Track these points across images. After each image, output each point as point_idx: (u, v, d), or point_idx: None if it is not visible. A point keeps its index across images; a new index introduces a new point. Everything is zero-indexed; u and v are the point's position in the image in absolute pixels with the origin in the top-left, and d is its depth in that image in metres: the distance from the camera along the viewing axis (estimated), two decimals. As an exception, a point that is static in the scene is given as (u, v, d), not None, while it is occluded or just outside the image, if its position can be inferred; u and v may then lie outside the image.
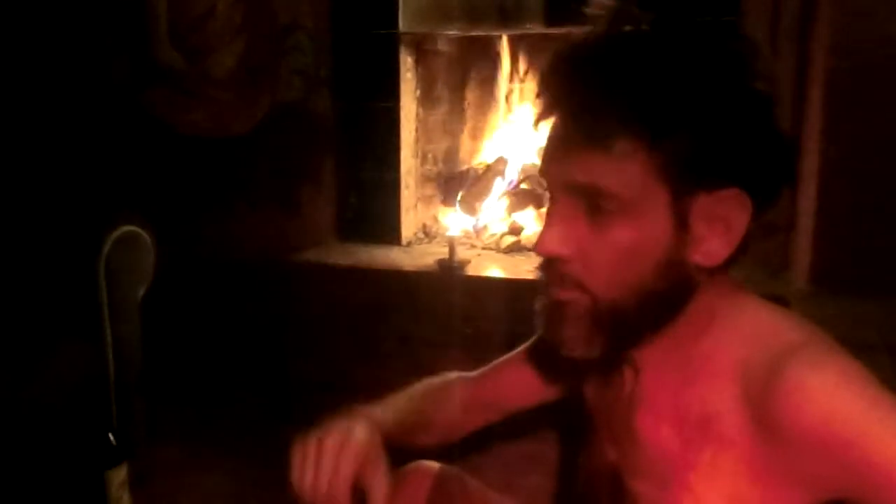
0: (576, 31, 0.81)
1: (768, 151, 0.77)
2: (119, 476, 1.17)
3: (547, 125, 0.82)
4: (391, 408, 1.03)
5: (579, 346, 0.81)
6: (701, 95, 0.73)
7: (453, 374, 1.17)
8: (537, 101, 0.81)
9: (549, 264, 0.80)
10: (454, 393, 1.14)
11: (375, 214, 2.26)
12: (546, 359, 1.05)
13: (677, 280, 0.77)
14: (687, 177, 0.74)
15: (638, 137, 0.73)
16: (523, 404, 1.14)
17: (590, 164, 0.74)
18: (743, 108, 0.75)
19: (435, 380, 1.16)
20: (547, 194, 0.83)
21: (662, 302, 0.78)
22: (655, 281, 0.76)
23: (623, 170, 0.73)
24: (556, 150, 0.79)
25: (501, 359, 1.14)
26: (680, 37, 0.76)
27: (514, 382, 1.11)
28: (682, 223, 0.75)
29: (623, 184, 0.73)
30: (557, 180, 0.78)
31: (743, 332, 0.79)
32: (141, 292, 1.95)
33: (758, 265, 1.78)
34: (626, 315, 0.78)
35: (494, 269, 2.02)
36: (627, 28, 0.77)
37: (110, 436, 1.17)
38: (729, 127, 0.74)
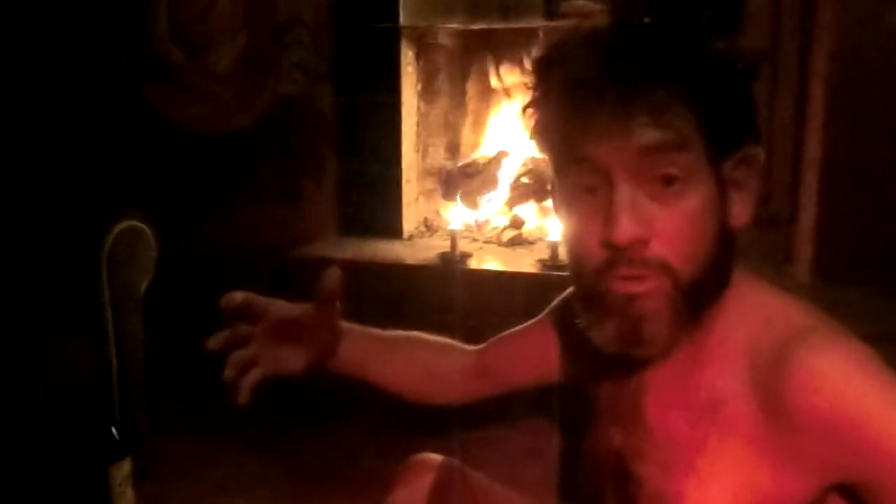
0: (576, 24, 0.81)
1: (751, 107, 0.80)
2: (122, 470, 1.17)
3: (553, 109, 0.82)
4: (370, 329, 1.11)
5: (661, 341, 0.78)
6: (723, 62, 0.76)
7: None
8: (568, 87, 0.79)
9: (626, 254, 0.76)
10: (450, 347, 1.16)
11: (377, 208, 2.26)
12: (554, 341, 1.05)
13: (728, 247, 0.79)
14: (720, 140, 0.75)
15: (688, 106, 0.74)
16: (522, 381, 1.14)
17: (652, 138, 0.74)
18: (746, 70, 0.78)
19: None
20: (555, 182, 0.83)
21: (724, 270, 0.80)
22: (718, 249, 0.77)
23: (681, 139, 0.74)
24: (605, 133, 0.76)
25: (507, 332, 1.15)
26: (684, 19, 0.78)
27: (517, 357, 1.12)
28: (721, 187, 0.77)
29: (684, 153, 0.74)
30: (613, 162, 0.76)
31: (752, 317, 0.79)
32: (143, 286, 1.96)
33: (760, 258, 1.78)
34: (703, 289, 0.77)
35: (496, 262, 2.02)
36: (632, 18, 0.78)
37: (113, 430, 1.17)
38: (743, 86, 0.77)
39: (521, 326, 1.13)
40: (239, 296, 1.03)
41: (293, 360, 1.07)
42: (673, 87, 0.74)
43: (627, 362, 0.88)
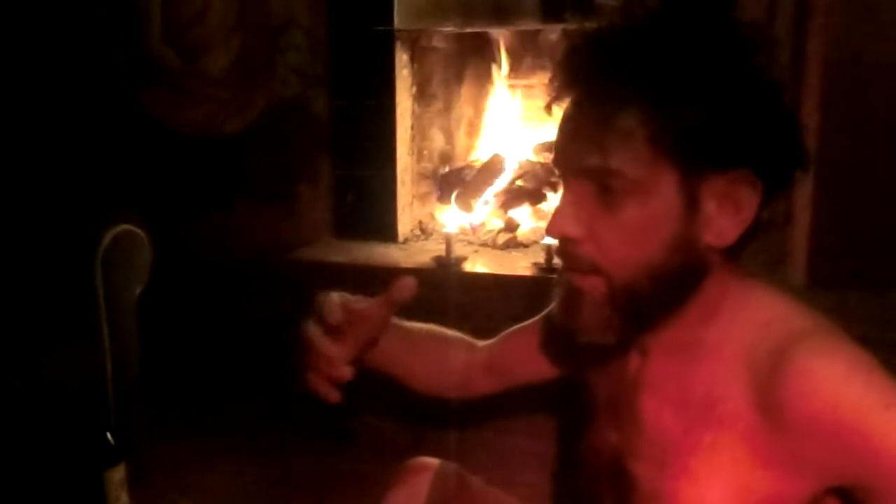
0: (572, 26, 0.82)
1: (776, 133, 0.78)
2: (117, 475, 1.17)
3: (556, 114, 0.84)
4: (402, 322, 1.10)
5: (596, 333, 0.82)
6: (704, 72, 0.74)
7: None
8: (551, 85, 0.83)
9: (564, 248, 0.82)
10: (464, 342, 1.18)
11: (372, 212, 2.26)
12: (556, 336, 1.06)
13: (689, 260, 0.79)
14: (695, 155, 0.75)
15: (643, 113, 0.74)
16: (528, 377, 1.15)
17: (598, 144, 0.76)
18: (748, 88, 0.76)
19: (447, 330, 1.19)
20: (555, 184, 0.87)
21: (676, 282, 0.80)
22: (668, 260, 0.77)
23: (629, 148, 0.75)
24: (567, 134, 0.81)
25: (513, 328, 1.15)
26: (687, 21, 0.77)
27: (523, 353, 1.13)
28: (692, 203, 0.76)
29: (630, 162, 0.75)
30: (568, 163, 0.80)
31: (751, 319, 0.80)
32: (138, 291, 1.95)
33: (754, 259, 1.78)
34: (642, 297, 0.79)
35: (491, 265, 2.02)
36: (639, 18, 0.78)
37: (108, 435, 1.17)
38: (733, 105, 0.75)
39: (526, 322, 1.14)
40: (336, 298, 0.99)
41: (344, 352, 1.06)
42: (639, 104, 0.74)
43: (616, 354, 0.89)
